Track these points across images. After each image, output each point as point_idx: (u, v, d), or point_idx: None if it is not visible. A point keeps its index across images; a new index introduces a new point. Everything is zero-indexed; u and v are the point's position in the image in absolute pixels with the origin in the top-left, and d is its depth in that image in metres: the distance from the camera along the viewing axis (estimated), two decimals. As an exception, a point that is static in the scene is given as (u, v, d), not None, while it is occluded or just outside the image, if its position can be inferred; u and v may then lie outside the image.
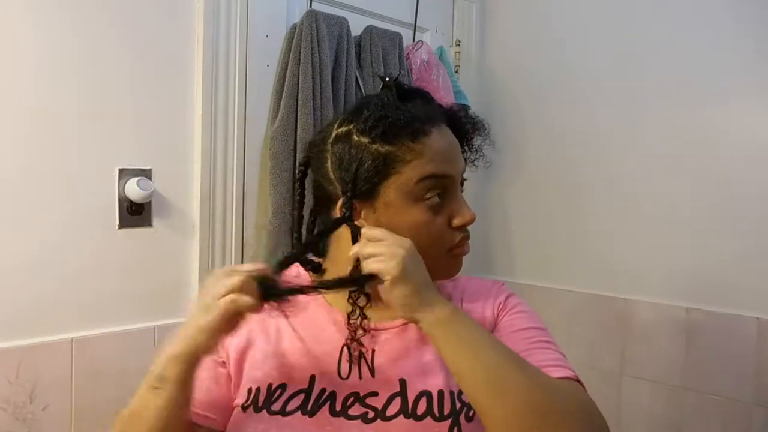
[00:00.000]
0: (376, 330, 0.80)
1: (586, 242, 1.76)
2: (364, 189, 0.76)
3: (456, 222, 0.79)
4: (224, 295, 0.66)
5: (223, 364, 0.81)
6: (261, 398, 0.76)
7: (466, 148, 0.86)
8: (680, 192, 1.58)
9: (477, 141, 0.87)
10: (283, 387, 0.76)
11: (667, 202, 1.60)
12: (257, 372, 0.79)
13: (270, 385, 0.77)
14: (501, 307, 0.83)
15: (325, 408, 0.74)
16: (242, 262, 1.42)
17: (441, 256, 0.79)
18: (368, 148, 0.76)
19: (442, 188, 0.78)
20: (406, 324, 0.80)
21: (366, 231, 0.73)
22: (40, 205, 1.14)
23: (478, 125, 0.87)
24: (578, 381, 0.73)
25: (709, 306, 1.52)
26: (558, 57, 1.83)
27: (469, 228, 0.81)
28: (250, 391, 0.77)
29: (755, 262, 1.46)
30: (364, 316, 0.79)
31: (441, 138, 0.78)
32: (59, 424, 1.16)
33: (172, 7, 1.30)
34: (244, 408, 0.77)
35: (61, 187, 1.17)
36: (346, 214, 0.77)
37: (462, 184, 0.82)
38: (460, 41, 1.96)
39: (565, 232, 1.81)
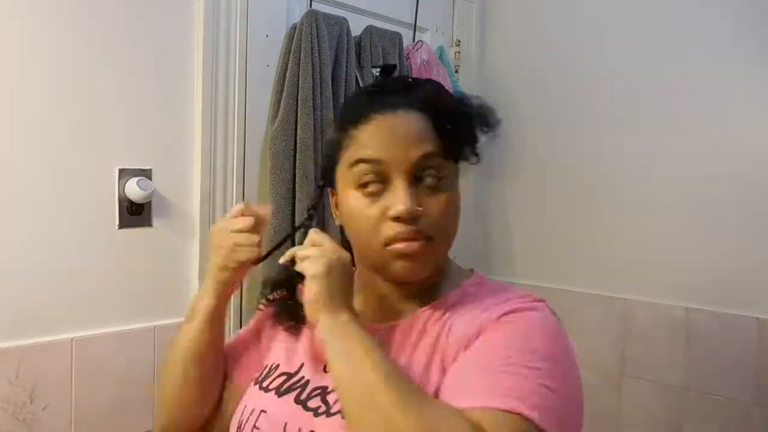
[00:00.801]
0: (369, 330, 0.78)
1: (585, 242, 1.76)
2: (328, 177, 0.80)
3: (390, 213, 0.72)
4: (232, 250, 0.78)
5: (258, 334, 0.89)
6: (262, 375, 0.82)
7: (452, 139, 0.76)
8: (680, 192, 1.58)
9: (479, 135, 0.79)
10: (277, 367, 0.82)
11: (667, 202, 1.60)
12: (274, 351, 0.86)
13: (271, 365, 0.83)
14: (490, 322, 0.71)
15: (293, 394, 0.76)
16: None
17: (379, 250, 0.73)
18: (329, 140, 0.81)
19: (378, 174, 0.73)
20: (394, 327, 0.78)
21: (311, 234, 0.76)
22: (40, 205, 1.14)
23: (471, 117, 0.78)
24: (521, 416, 0.61)
25: (709, 306, 1.52)
26: (558, 57, 1.83)
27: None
28: (264, 367, 0.84)
29: (755, 262, 1.46)
30: (296, 317, 0.81)
31: (384, 122, 0.74)
32: (59, 424, 1.16)
33: (172, 7, 1.30)
34: (254, 380, 0.83)
35: (61, 187, 1.17)
36: (313, 203, 0.83)
37: (420, 176, 0.74)
38: (460, 41, 1.96)
39: (565, 232, 1.81)
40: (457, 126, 0.76)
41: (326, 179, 0.82)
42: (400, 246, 0.72)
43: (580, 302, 1.74)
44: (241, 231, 0.79)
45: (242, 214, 0.80)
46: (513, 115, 1.91)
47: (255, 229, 0.79)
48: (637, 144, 1.65)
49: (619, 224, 1.69)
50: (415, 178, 0.73)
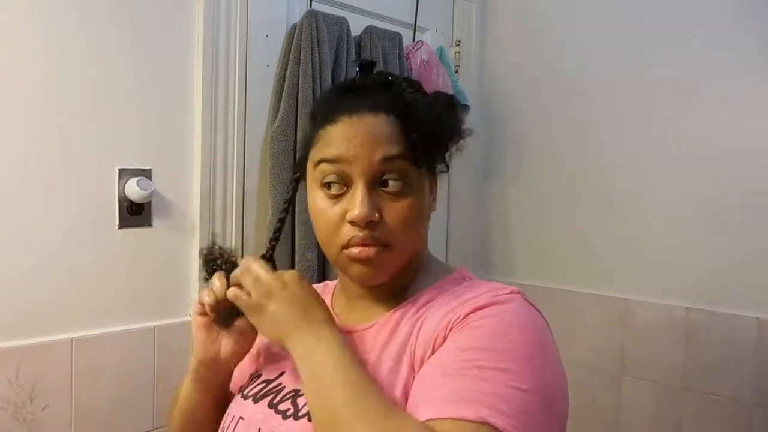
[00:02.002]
0: (345, 332, 0.77)
1: (586, 242, 1.76)
2: (302, 170, 0.80)
3: (347, 217, 0.71)
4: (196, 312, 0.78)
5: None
6: (247, 384, 0.82)
7: (420, 144, 0.73)
8: (680, 192, 1.58)
9: (450, 143, 0.78)
10: (259, 376, 0.81)
11: (667, 202, 1.60)
12: (258, 360, 0.86)
13: (254, 374, 0.83)
14: (458, 320, 0.68)
15: (267, 399, 0.76)
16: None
17: (337, 252, 0.73)
18: (304, 132, 0.84)
19: (339, 175, 0.72)
20: (368, 328, 0.77)
21: (242, 264, 0.75)
22: (40, 205, 1.14)
23: (442, 123, 0.76)
24: (489, 425, 0.58)
25: (709, 306, 1.52)
26: (558, 57, 1.83)
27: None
28: (249, 376, 0.84)
29: (755, 262, 1.46)
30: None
31: (350, 124, 0.72)
32: (59, 424, 1.16)
33: (172, 7, 1.30)
34: (240, 389, 0.83)
35: (62, 187, 1.17)
36: (289, 195, 0.83)
37: (382, 180, 0.72)
38: (460, 41, 1.96)
39: (566, 232, 1.81)
40: (426, 131, 0.73)
41: (301, 172, 0.81)
42: (354, 251, 0.71)
43: (580, 302, 1.74)
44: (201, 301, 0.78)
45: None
46: (513, 115, 1.92)
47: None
48: (637, 144, 1.65)
49: (619, 224, 1.69)
50: (377, 182, 0.72)
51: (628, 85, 1.67)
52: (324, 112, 0.76)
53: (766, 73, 1.46)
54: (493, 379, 0.61)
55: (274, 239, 0.83)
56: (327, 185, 0.73)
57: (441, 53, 1.84)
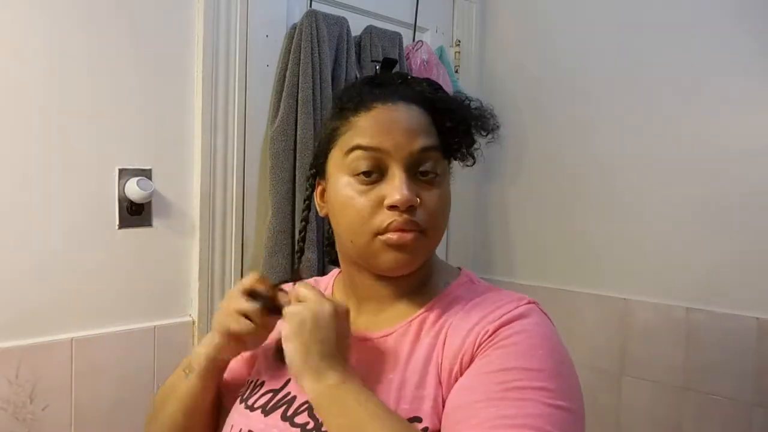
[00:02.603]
0: (357, 338, 0.77)
1: (586, 242, 1.76)
2: (320, 166, 0.79)
3: (387, 201, 0.70)
4: (227, 316, 0.75)
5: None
6: (246, 391, 0.80)
7: (450, 137, 0.76)
8: (680, 192, 1.58)
9: (477, 135, 0.79)
10: (262, 384, 0.79)
11: (667, 202, 1.60)
12: (257, 366, 0.84)
13: (255, 381, 0.81)
14: (486, 336, 0.68)
15: (279, 411, 0.74)
16: (242, 262, 1.43)
17: (369, 241, 0.71)
18: (325, 125, 0.80)
19: (374, 162, 0.72)
20: (386, 336, 0.75)
21: (296, 289, 0.73)
22: (40, 205, 1.14)
23: (469, 117, 0.78)
24: None
25: (709, 306, 1.52)
26: (558, 57, 1.83)
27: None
28: (247, 382, 0.82)
29: (755, 262, 1.46)
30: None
31: (386, 112, 0.73)
32: (59, 424, 1.16)
33: (172, 7, 1.30)
34: (238, 397, 0.81)
35: (62, 187, 1.17)
36: (307, 192, 0.82)
37: (419, 169, 0.73)
38: (460, 41, 1.96)
39: (566, 232, 1.81)
40: (456, 125, 0.75)
41: (318, 167, 0.80)
42: (392, 236, 0.70)
43: (580, 302, 1.74)
44: (242, 312, 0.74)
45: (253, 290, 0.76)
46: (513, 115, 1.92)
47: (256, 319, 0.74)
48: (637, 144, 1.65)
49: (619, 224, 1.69)
50: (413, 171, 0.72)
51: (628, 85, 1.67)
52: (355, 101, 0.75)
53: (766, 73, 1.46)
54: (533, 398, 0.61)
55: (301, 240, 0.86)
56: (364, 173, 0.72)
57: (441, 53, 1.84)
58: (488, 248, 1.99)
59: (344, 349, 0.70)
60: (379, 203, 0.71)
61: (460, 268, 0.83)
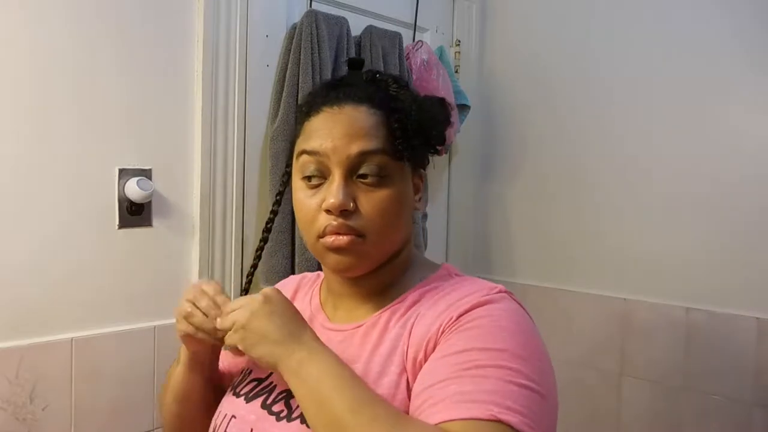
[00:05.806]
0: (332, 330, 0.80)
1: (586, 242, 1.76)
2: (289, 167, 0.83)
3: (323, 205, 0.72)
4: (177, 317, 0.80)
5: None
6: (238, 380, 0.83)
7: (402, 138, 0.75)
8: (680, 192, 1.58)
9: (432, 139, 0.79)
10: (250, 373, 0.82)
11: (667, 203, 1.60)
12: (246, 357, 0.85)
13: (244, 370, 0.84)
14: (450, 322, 0.68)
15: (260, 399, 0.76)
16: (242, 262, 1.43)
17: (314, 243, 0.75)
18: (291, 130, 0.83)
19: (318, 166, 0.74)
20: (357, 327, 0.77)
21: (223, 309, 0.75)
22: (40, 204, 1.14)
23: (426, 119, 0.77)
24: (500, 422, 0.59)
25: (709, 306, 1.52)
26: (558, 56, 1.83)
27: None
28: (241, 371, 0.85)
29: (755, 262, 1.46)
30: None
31: (329, 116, 0.74)
32: (59, 424, 1.16)
33: (172, 7, 1.30)
34: (231, 385, 0.84)
35: (61, 187, 1.17)
36: (280, 189, 0.88)
37: (360, 172, 0.73)
38: (460, 41, 1.96)
39: (565, 232, 1.81)
40: (408, 126, 0.75)
41: (289, 168, 0.84)
42: (328, 239, 0.72)
43: (580, 302, 1.74)
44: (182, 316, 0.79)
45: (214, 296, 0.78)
46: (513, 115, 1.92)
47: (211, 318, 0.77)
48: (637, 144, 1.66)
49: (619, 224, 1.69)
50: (354, 173, 0.73)
51: (628, 85, 1.67)
52: (308, 105, 0.78)
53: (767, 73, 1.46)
54: (494, 376, 0.62)
55: (266, 230, 0.87)
56: (307, 177, 0.75)
57: (441, 53, 1.84)
58: (488, 248, 1.99)
59: (300, 320, 0.72)
60: (320, 206, 0.73)
61: (442, 264, 0.84)
